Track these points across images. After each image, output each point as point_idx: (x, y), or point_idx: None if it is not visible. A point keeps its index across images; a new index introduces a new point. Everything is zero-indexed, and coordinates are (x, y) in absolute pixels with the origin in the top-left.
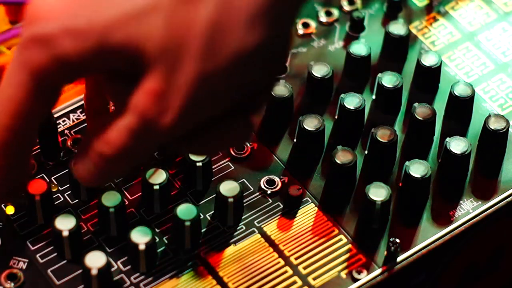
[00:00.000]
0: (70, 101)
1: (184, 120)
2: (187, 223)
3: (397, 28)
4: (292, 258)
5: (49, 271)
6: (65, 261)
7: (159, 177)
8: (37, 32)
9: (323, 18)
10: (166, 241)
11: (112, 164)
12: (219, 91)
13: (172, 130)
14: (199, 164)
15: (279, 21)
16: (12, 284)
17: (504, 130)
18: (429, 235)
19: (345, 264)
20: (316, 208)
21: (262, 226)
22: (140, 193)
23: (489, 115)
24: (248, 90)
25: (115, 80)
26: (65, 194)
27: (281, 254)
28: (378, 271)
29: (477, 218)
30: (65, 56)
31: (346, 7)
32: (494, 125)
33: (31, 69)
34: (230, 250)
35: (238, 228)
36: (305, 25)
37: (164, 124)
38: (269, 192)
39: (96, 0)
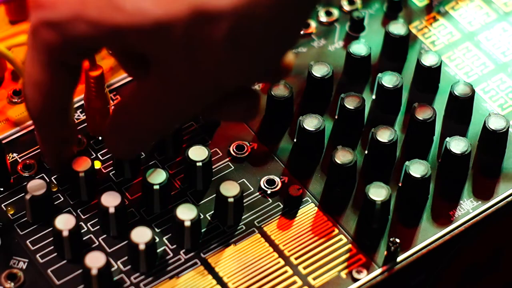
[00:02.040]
0: None
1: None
2: (187, 223)
3: (397, 28)
4: (292, 258)
5: (49, 271)
6: (65, 261)
7: (159, 177)
8: (47, 17)
9: (323, 18)
10: (166, 241)
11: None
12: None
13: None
14: (199, 164)
15: None
16: (12, 284)
17: (504, 130)
18: (429, 235)
19: (345, 264)
20: (316, 208)
21: (262, 226)
22: (140, 193)
23: (489, 115)
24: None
25: (128, 61)
26: (65, 194)
27: (281, 254)
28: (378, 271)
29: (477, 218)
30: (75, 39)
31: (346, 7)
32: (494, 125)
33: (48, 50)
34: (230, 250)
35: (238, 228)
36: (305, 25)
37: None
38: (269, 192)
39: None
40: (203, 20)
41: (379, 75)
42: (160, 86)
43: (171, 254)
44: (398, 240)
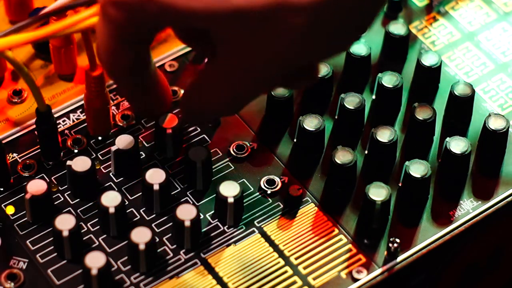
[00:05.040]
0: (70, 101)
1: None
2: (187, 223)
3: (397, 28)
4: (292, 258)
5: (49, 271)
6: (65, 261)
7: (159, 177)
8: None
9: None
10: (166, 241)
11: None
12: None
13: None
14: (199, 164)
15: None
16: (12, 284)
17: (504, 130)
18: (429, 235)
19: (345, 264)
20: (316, 208)
21: (262, 226)
22: (140, 193)
23: (489, 115)
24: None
25: (190, 38)
26: (65, 194)
27: (281, 254)
28: (378, 271)
29: (477, 218)
30: (143, 20)
31: None
32: (494, 125)
33: (114, 26)
34: (230, 250)
35: (238, 228)
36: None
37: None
38: (269, 192)
39: None
40: (283, 10)
41: (379, 75)
42: (228, 64)
43: (171, 254)
44: (398, 240)
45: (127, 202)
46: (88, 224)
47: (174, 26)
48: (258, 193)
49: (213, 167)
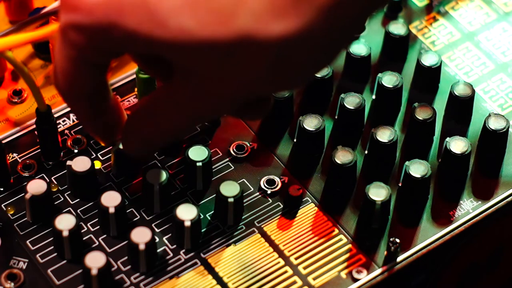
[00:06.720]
0: None
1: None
2: (187, 223)
3: (397, 28)
4: (292, 258)
5: (49, 271)
6: (65, 261)
7: (159, 177)
8: (79, 21)
9: None
10: (166, 241)
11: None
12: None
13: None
14: (199, 164)
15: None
16: (12, 284)
17: (504, 130)
18: (429, 235)
19: (345, 264)
20: (316, 208)
21: (262, 226)
22: (140, 193)
23: (489, 115)
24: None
25: (147, 63)
26: (65, 194)
27: (281, 254)
28: (378, 271)
29: (477, 218)
30: (105, 46)
31: None
32: (494, 125)
33: (74, 49)
34: (230, 250)
35: (238, 228)
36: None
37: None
38: (269, 192)
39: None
40: (249, 45)
41: (379, 75)
42: (185, 91)
43: (171, 254)
44: (398, 240)
45: (127, 202)
46: (88, 224)
47: (134, 52)
48: (258, 193)
49: (213, 167)
